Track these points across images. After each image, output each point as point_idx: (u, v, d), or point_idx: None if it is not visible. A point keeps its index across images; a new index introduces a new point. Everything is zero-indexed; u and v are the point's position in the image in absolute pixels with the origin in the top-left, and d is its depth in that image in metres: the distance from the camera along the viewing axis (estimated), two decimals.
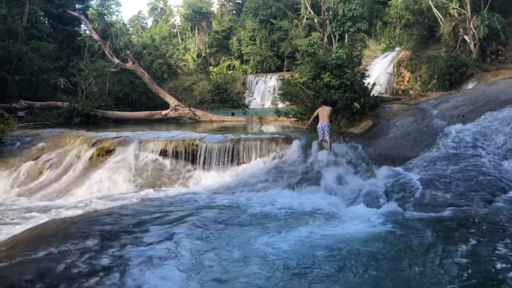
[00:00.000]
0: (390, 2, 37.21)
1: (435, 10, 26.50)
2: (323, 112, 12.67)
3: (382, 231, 7.12)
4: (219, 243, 6.70)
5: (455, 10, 25.67)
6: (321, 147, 12.33)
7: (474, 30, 23.06)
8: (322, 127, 12.40)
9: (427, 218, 7.83)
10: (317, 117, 12.87)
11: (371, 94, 16.25)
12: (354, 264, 5.84)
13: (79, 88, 25.24)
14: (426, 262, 5.82)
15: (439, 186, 9.38)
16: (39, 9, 35.71)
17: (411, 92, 26.86)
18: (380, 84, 26.56)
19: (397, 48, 33.05)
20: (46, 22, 41.13)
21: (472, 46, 23.53)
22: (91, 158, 13.15)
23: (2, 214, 9.88)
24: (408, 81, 29.98)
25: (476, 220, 7.44)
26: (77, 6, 47.59)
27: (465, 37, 23.87)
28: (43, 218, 9.09)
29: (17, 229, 8.26)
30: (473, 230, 6.94)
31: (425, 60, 25.49)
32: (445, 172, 9.97)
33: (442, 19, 26.18)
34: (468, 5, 23.56)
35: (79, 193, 11.54)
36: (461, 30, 24.21)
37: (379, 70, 32.48)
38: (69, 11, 31.00)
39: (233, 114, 22.52)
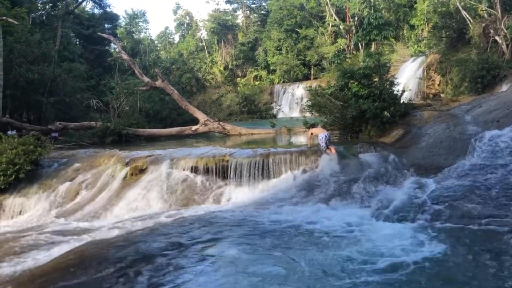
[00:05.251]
0: (416, 5, 36.77)
1: (463, 12, 26.02)
2: (317, 129, 13.44)
3: (421, 248, 6.92)
4: (255, 266, 6.62)
5: (484, 11, 25.12)
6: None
7: (505, 31, 22.48)
8: (326, 136, 12.71)
9: (466, 231, 7.62)
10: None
11: (401, 102, 16.00)
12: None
13: (111, 106, 25.86)
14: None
15: (476, 196, 9.13)
16: (70, 31, 36.97)
17: (442, 96, 26.40)
18: (410, 89, 26.13)
19: (426, 52, 32.53)
20: (77, 43, 42.56)
21: (504, 47, 22.94)
22: (125, 177, 13.38)
23: (42, 236, 10.19)
24: (438, 85, 29.45)
25: None
26: (106, 26, 49.11)
27: (497, 38, 23.30)
28: (81, 240, 9.32)
29: (57, 251, 8.51)
30: None
31: (455, 63, 25.00)
32: (482, 181, 9.70)
33: (472, 20, 25.66)
34: (498, 5, 23.02)
35: (114, 213, 11.77)
36: (491, 31, 23.66)
37: (408, 75, 32.03)
38: (99, 33, 31.87)
39: (273, 126, 22.31)
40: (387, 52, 37.14)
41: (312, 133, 13.41)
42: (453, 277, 5.86)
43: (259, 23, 62.55)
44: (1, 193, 13.38)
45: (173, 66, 53.61)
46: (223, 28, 60.39)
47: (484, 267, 6.07)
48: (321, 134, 12.92)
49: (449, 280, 5.79)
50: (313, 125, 14.37)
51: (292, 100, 46.20)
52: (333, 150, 12.57)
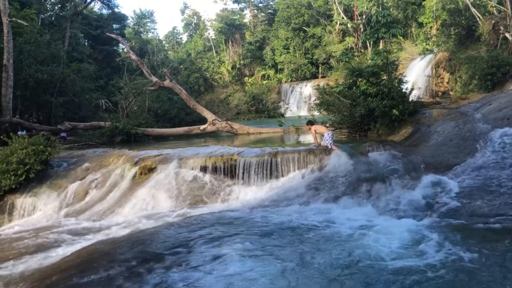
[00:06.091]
0: (424, 2, 36.55)
1: (472, 9, 25.80)
2: (320, 127, 13.55)
3: (432, 247, 6.86)
4: (263, 265, 6.61)
5: (494, 8, 24.89)
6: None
7: None
8: (332, 135, 13.01)
9: (477, 229, 7.58)
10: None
11: (410, 100, 15.90)
12: None
13: (120, 106, 25.99)
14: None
15: (486, 195, 9.08)
16: (79, 32, 37.17)
17: (451, 93, 26.22)
18: (419, 88, 25.98)
19: (435, 50, 32.32)
20: (86, 43, 42.78)
21: None
22: (134, 177, 13.44)
23: (53, 235, 10.27)
24: (447, 83, 29.26)
25: None
26: (114, 26, 49.32)
27: (507, 34, 23.08)
28: (91, 239, 9.37)
29: (68, 250, 8.57)
30: None
31: (464, 60, 24.77)
32: (492, 180, 9.64)
33: (481, 17, 25.43)
34: (508, 2, 22.82)
35: (123, 212, 11.81)
36: (501, 28, 23.44)
37: (416, 73, 31.87)
38: (107, 34, 32.03)
39: (281, 125, 22.28)
40: (395, 50, 36.98)
41: (316, 131, 13.37)
42: (465, 277, 5.81)
43: (266, 22, 62.52)
44: (12, 193, 13.48)
45: (181, 66, 53.75)
46: (230, 28, 60.47)
47: (496, 266, 6.02)
48: (326, 132, 12.92)
49: (463, 280, 5.74)
50: (311, 122, 14.29)
51: (300, 99, 46.19)
52: (335, 147, 12.68)
